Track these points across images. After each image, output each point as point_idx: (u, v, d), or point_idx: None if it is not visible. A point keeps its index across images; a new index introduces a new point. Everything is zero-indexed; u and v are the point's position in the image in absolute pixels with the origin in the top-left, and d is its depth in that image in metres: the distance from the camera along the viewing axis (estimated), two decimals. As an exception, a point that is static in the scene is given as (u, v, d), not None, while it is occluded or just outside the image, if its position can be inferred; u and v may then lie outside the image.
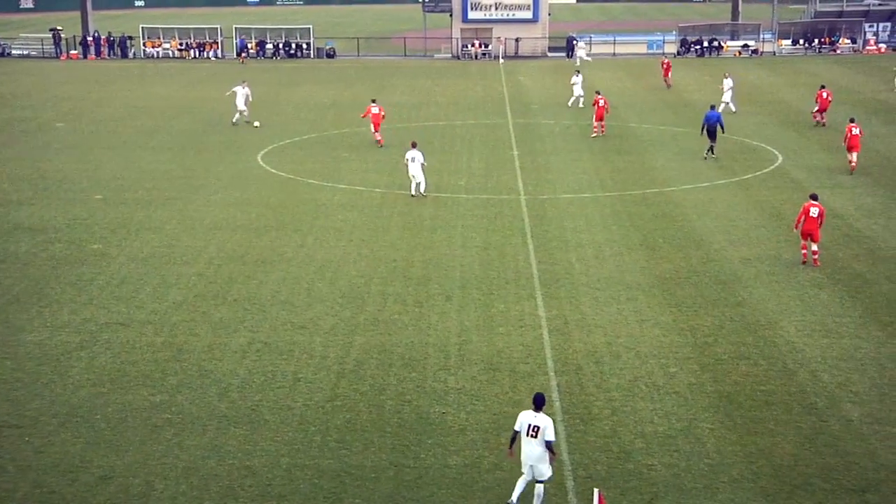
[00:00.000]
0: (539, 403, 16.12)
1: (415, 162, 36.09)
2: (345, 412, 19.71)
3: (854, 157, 39.12)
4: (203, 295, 26.44)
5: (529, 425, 15.95)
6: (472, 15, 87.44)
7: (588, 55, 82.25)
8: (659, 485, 16.94)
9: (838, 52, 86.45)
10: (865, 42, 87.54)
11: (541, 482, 16.02)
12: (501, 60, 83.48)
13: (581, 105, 56.02)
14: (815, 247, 27.95)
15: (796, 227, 28.24)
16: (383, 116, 46.37)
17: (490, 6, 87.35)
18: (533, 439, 15.90)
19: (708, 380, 20.89)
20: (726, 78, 54.02)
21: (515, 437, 16.20)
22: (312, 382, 21.07)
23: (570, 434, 18.65)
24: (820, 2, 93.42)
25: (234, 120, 52.12)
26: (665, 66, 66.87)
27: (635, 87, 66.77)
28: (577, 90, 56.94)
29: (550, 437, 15.89)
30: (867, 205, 34.55)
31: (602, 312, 24.75)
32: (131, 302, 25.93)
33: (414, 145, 36.63)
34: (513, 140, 47.94)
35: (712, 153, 42.50)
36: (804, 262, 28.10)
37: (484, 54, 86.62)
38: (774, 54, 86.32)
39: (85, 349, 22.90)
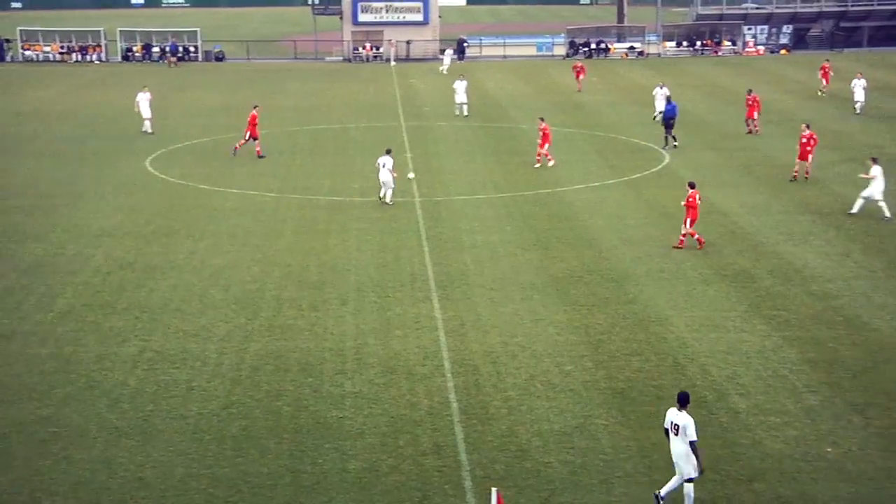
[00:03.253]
0: (682, 401, 16.08)
1: (385, 168, 35.20)
2: (240, 419, 19.47)
3: (800, 165, 38.19)
4: (91, 304, 25.83)
5: (672, 423, 16.09)
6: (362, 17, 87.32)
7: (446, 66, 78.43)
8: (556, 482, 17.14)
9: (720, 53, 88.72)
10: (745, 44, 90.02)
11: (689, 481, 15.94)
12: (393, 63, 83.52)
13: (466, 113, 54.64)
14: (685, 229, 29.73)
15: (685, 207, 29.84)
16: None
17: (380, 9, 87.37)
18: (676, 437, 16.01)
19: (602, 377, 21.21)
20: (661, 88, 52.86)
21: (667, 433, 16.28)
22: (206, 390, 20.75)
23: (468, 434, 18.73)
24: (702, 5, 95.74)
25: (145, 129, 50.44)
26: (578, 69, 66.13)
27: (525, 89, 67.48)
28: (461, 96, 55.19)
29: (692, 436, 15.81)
30: (751, 202, 35.50)
31: (498, 313, 24.93)
32: (14, 313, 25.17)
33: (388, 151, 35.75)
34: (406, 143, 47.98)
35: (674, 140, 44.61)
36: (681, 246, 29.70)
37: (375, 57, 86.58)
38: (660, 56, 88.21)
39: (-32, 363, 22.15)
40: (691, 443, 15.85)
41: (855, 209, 33.19)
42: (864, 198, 32.97)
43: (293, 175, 41.18)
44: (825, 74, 60.93)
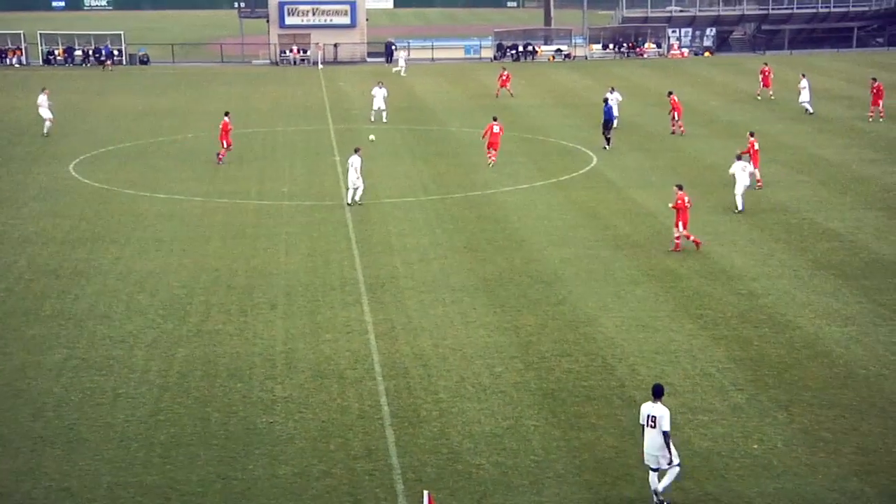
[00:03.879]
0: (657, 394, 16.39)
1: (352, 167, 35.12)
2: (169, 426, 19.22)
3: (756, 172, 37.92)
4: (13, 311, 25.31)
5: (648, 415, 16.30)
6: (289, 21, 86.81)
7: (403, 67, 79.02)
8: (487, 484, 17.19)
9: (645, 56, 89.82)
10: (669, 47, 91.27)
11: (671, 465, 16.26)
12: (320, 66, 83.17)
13: (385, 119, 53.76)
14: (678, 232, 29.92)
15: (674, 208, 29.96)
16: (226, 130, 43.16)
17: (307, 12, 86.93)
18: (652, 429, 16.22)
19: (532, 378, 21.33)
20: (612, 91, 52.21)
21: (643, 429, 16.42)
22: (134, 398, 20.46)
23: (399, 438, 18.71)
24: (626, 8, 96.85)
25: (45, 131, 49.78)
26: (503, 77, 64.77)
27: (454, 92, 67.65)
28: (378, 102, 53.78)
29: (665, 427, 16.12)
30: (677, 203, 35.91)
31: (428, 315, 24.95)
32: (-65, 322, 24.59)
33: (356, 151, 35.57)
34: (334, 146, 47.80)
35: (607, 143, 45.38)
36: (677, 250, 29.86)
37: (303, 60, 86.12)
38: (586, 58, 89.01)
39: None
40: (664, 433, 16.16)
41: (740, 206, 34.33)
42: (739, 194, 34.54)
43: (220, 179, 40.78)
44: (765, 78, 61.43)
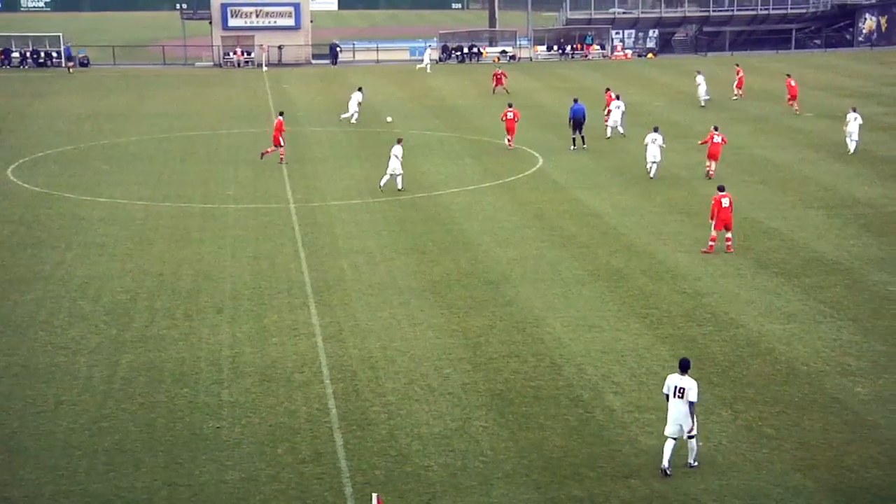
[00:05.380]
0: (684, 367, 17.58)
1: (395, 158, 37.45)
2: (113, 433, 19.00)
3: (713, 165, 39.66)
4: (-47, 319, 24.89)
5: (676, 387, 17.41)
6: (232, 22, 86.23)
7: (428, 64, 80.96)
8: (436, 485, 17.20)
9: (589, 57, 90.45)
10: (613, 48, 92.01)
11: (691, 437, 17.41)
12: (265, 68, 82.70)
13: (354, 121, 53.67)
14: (728, 234, 29.92)
15: (711, 219, 30.03)
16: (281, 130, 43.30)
17: (251, 13, 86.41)
18: (679, 400, 17.36)
19: (480, 379, 21.38)
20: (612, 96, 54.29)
21: (667, 398, 17.59)
22: (77, 405, 20.19)
23: (347, 441, 18.66)
24: (571, 9, 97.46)
25: None
26: (498, 75, 66.09)
27: (399, 93, 67.61)
28: (352, 105, 54.15)
29: (693, 398, 17.32)
30: (622, 203, 36.27)
31: (375, 318, 24.91)
32: None
33: (399, 141, 38.26)
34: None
35: (583, 143, 45.78)
36: (710, 252, 29.79)
37: (247, 62, 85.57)
38: (531, 60, 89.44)
39: None
40: (691, 403, 17.30)
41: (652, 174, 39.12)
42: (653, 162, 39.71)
43: (164, 183, 40.40)
44: (740, 81, 62.37)
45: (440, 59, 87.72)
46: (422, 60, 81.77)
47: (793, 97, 55.94)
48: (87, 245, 31.23)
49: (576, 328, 24.18)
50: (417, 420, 19.50)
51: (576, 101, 46.98)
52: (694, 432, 17.46)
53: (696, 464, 17.64)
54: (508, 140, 46.40)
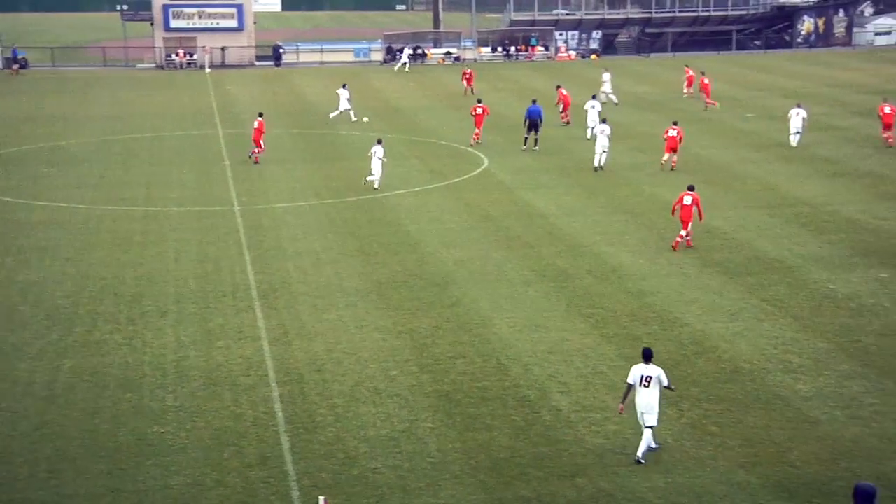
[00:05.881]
0: (648, 356, 18.04)
1: (374, 157, 38.06)
2: (55, 440, 18.72)
3: (668, 156, 41.63)
4: None
5: (643, 376, 17.81)
6: (174, 24, 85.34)
7: (407, 63, 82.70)
8: (384, 487, 17.16)
9: (533, 58, 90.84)
10: (557, 49, 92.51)
11: (649, 428, 17.76)
12: (208, 70, 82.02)
13: (354, 119, 54.07)
14: (687, 231, 30.40)
15: (672, 215, 30.99)
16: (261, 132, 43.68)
17: (193, 15, 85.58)
18: (646, 389, 17.76)
19: (427, 380, 21.38)
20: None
21: (629, 390, 17.95)
22: (17, 411, 19.86)
23: (294, 444, 18.56)
24: (514, 11, 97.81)
25: None
26: (467, 75, 66.61)
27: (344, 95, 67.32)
28: (343, 104, 54.43)
29: (665, 381, 17.87)
30: (567, 203, 36.47)
31: (322, 320, 24.81)
32: None
33: (378, 142, 38.69)
34: (224, 150, 47.22)
35: (535, 144, 46.00)
36: (675, 249, 30.21)
37: (189, 64, 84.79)
38: (476, 61, 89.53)
39: None
40: (666, 387, 17.97)
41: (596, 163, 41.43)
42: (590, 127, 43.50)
43: (106, 186, 39.91)
44: (689, 80, 64.53)
45: (384, 61, 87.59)
46: (400, 59, 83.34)
47: (706, 93, 59.09)
48: (26, 249, 30.75)
49: (522, 329, 24.27)
50: (364, 422, 19.45)
51: (534, 102, 47.59)
52: (653, 423, 17.80)
53: (644, 460, 17.78)
54: (476, 134, 47.53)
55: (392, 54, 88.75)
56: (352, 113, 54.74)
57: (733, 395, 20.62)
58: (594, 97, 50.65)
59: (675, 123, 42.15)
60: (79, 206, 36.18)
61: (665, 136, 41.63)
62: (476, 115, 47.82)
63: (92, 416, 19.66)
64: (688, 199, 30.38)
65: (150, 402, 20.28)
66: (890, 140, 46.11)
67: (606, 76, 61.63)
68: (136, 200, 37.35)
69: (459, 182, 40.33)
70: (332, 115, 54.65)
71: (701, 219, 30.73)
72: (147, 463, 17.92)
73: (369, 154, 38.58)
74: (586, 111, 48.79)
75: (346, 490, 17.06)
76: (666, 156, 41.69)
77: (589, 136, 48.11)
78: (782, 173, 41.20)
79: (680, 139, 41.31)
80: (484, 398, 20.49)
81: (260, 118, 44.38)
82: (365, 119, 51.80)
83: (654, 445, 17.98)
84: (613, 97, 59.71)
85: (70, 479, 17.38)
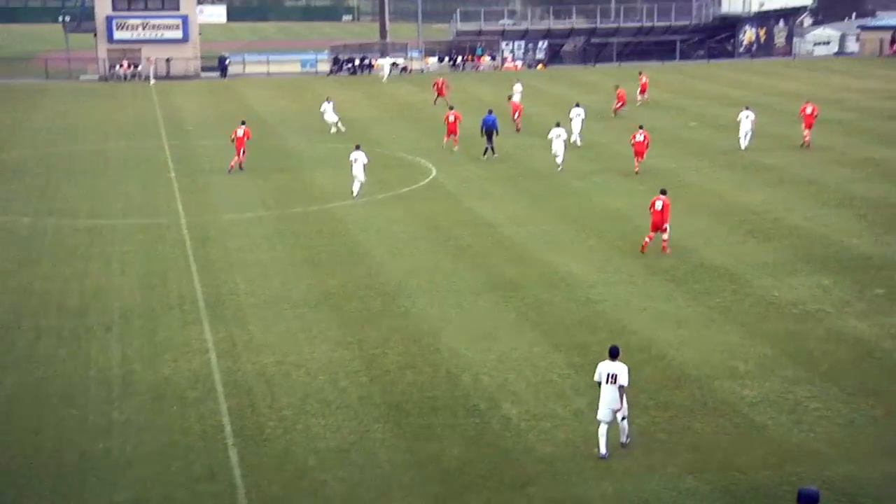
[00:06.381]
0: (614, 353, 18.45)
1: (357, 162, 38.12)
2: (-2, 458, 18.37)
3: (637, 161, 42.75)
4: None
5: (609, 374, 18.25)
6: (118, 35, 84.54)
7: (387, 74, 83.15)
8: (334, 500, 17.04)
9: (480, 68, 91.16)
10: (503, 59, 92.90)
11: (624, 419, 18.38)
12: (153, 81, 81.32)
13: (343, 129, 53.99)
14: (665, 235, 30.80)
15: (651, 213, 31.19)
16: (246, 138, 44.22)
17: (137, 26, 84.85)
18: (612, 385, 18.20)
19: (377, 391, 21.28)
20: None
21: (598, 384, 18.43)
22: (-41, 429, 19.47)
23: (243, 457, 18.36)
24: (461, 21, 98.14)
25: None
26: (439, 85, 66.23)
27: (291, 106, 67.15)
28: (330, 116, 54.40)
29: (624, 381, 18.19)
30: (515, 212, 36.56)
31: (270, 332, 24.62)
32: None
33: (357, 147, 38.77)
34: (169, 162, 46.79)
35: (493, 153, 46.45)
36: (643, 251, 30.62)
37: (134, 75, 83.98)
38: (423, 72, 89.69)
39: None
40: (621, 387, 18.15)
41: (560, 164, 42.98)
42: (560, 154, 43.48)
43: (49, 199, 39.35)
44: (643, 87, 66.02)
45: (330, 72, 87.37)
46: (382, 69, 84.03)
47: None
48: (-32, 264, 30.22)
49: (472, 338, 24.25)
50: (314, 434, 19.31)
51: (490, 112, 48.03)
52: (625, 414, 18.35)
53: (627, 440, 18.65)
54: (454, 140, 48.25)
55: (339, 65, 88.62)
56: (338, 125, 54.59)
57: (681, 401, 20.75)
58: (578, 105, 50.86)
59: (640, 127, 43.33)
60: (21, 219, 35.63)
61: (632, 142, 42.56)
62: (449, 123, 48.35)
63: (35, 433, 19.31)
64: (659, 205, 30.71)
65: (95, 418, 19.97)
66: (807, 139, 48.65)
67: (518, 87, 62.31)
68: (81, 213, 36.87)
69: (408, 192, 40.30)
70: (332, 130, 54.27)
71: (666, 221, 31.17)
72: (92, 479, 17.63)
73: (350, 160, 38.55)
74: (571, 119, 49.47)
75: (296, 503, 16.91)
76: (637, 161, 42.91)
77: (578, 142, 49.14)
78: (727, 181, 41.66)
79: (647, 144, 42.41)
80: (434, 408, 20.44)
81: (243, 125, 44.52)
82: (342, 129, 51.98)
83: (624, 440, 18.57)
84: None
85: (12, 498, 17.04)
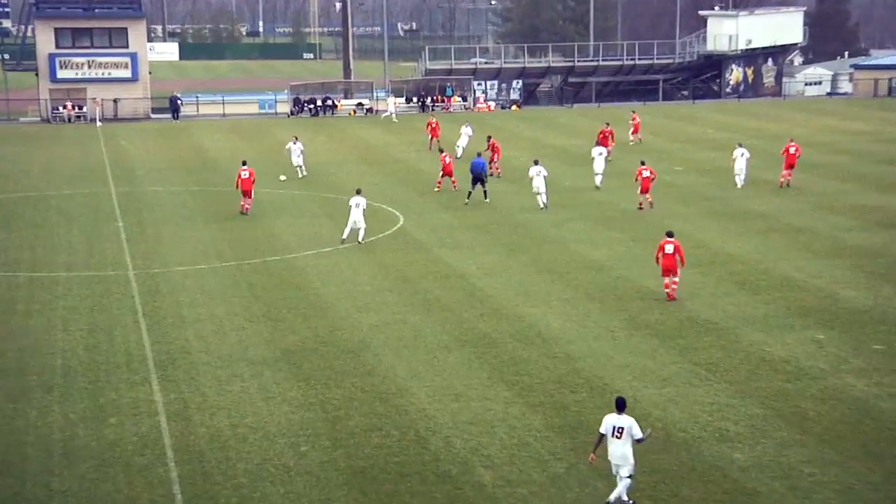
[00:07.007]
0: (621, 406, 18.50)
1: (358, 207, 38.97)
2: (-73, 532, 18.15)
3: (643, 197, 45.26)
4: None
5: (614, 427, 18.30)
6: (61, 74, 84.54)
7: (394, 113, 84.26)
8: (295, 574, 16.91)
9: (451, 110, 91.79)
10: (476, 100, 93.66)
11: (630, 477, 18.32)
12: (99, 123, 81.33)
13: (305, 173, 54.75)
14: (675, 279, 31.74)
15: (657, 264, 31.99)
16: (253, 181, 45.23)
17: (82, 64, 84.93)
18: (618, 440, 18.24)
19: (341, 456, 21.21)
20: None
21: (601, 440, 18.53)
22: None
23: (195, 529, 18.22)
24: (430, 59, 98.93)
25: None
26: (432, 125, 66.56)
27: (248, 149, 67.18)
28: (296, 159, 55.03)
29: (638, 434, 18.23)
30: (487, 263, 36.70)
31: (225, 392, 24.52)
32: None
33: (358, 192, 39.60)
34: (117, 210, 46.73)
35: (485, 197, 47.58)
36: (671, 300, 31.62)
37: (79, 117, 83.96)
38: (392, 115, 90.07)
39: None
40: (638, 440, 18.26)
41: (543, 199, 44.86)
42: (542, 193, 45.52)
43: (-14, 249, 39.16)
44: (636, 127, 68.26)
45: (291, 113, 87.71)
46: (386, 109, 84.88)
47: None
48: None
49: (442, 398, 24.25)
50: (272, 503, 19.19)
51: (479, 154, 49.17)
52: (632, 471, 18.33)
53: (624, 500, 18.46)
54: (453, 182, 49.76)
55: (300, 105, 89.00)
56: (301, 168, 55.14)
57: (667, 465, 20.78)
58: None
59: (643, 163, 45.47)
60: (-45, 272, 35.44)
61: (638, 178, 45.21)
62: (445, 165, 49.98)
63: (-31, 504, 19.12)
64: (669, 248, 31.35)
65: (34, 488, 19.77)
66: (788, 178, 50.73)
67: (467, 129, 62.85)
68: (20, 265, 36.69)
69: (373, 241, 40.38)
70: (301, 175, 54.79)
71: (683, 264, 31.85)
72: (31, 554, 17.44)
73: (350, 205, 39.23)
74: (593, 158, 51.69)
75: (253, 579, 16.79)
76: (642, 197, 44.82)
77: (598, 183, 50.79)
78: (713, 229, 42.04)
79: (653, 178, 44.91)
80: (402, 474, 20.38)
81: (245, 166, 45.39)
82: (282, 177, 52.57)
83: (625, 499, 18.39)
84: (459, 150, 60.54)
85: (-57, 575, 16.83)
